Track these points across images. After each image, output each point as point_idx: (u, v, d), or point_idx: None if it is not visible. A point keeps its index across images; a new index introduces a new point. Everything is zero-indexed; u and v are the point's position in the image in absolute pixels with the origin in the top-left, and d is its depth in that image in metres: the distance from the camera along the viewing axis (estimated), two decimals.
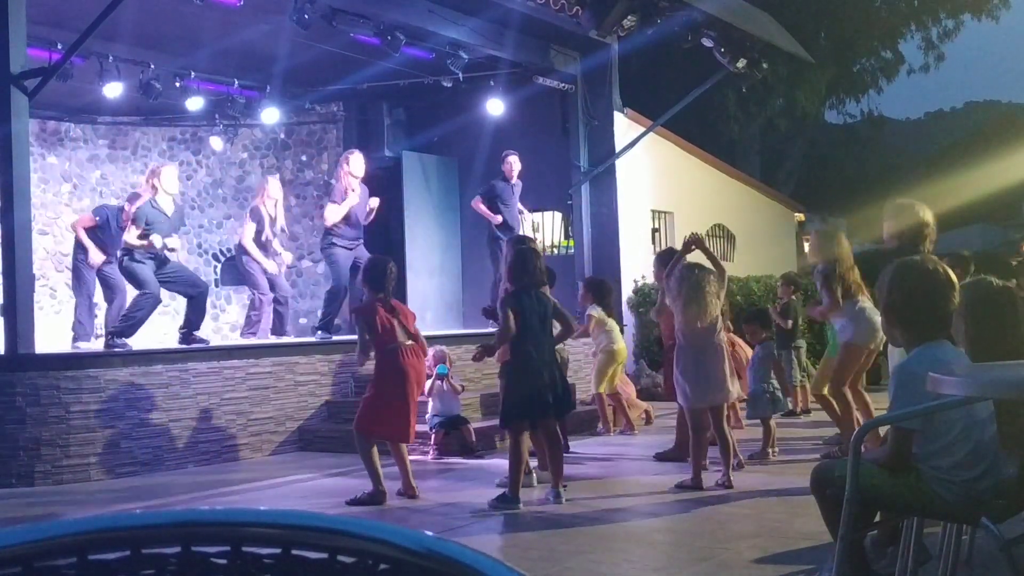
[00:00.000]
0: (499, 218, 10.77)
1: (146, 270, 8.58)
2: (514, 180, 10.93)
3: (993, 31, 26.68)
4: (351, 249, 9.72)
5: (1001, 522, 3.03)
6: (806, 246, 20.73)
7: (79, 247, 10.03)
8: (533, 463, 6.59)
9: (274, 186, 10.38)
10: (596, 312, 8.69)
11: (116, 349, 8.13)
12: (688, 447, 6.67)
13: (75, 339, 9.91)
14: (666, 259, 7.24)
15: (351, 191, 9.60)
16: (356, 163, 9.71)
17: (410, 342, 6.28)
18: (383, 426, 6.20)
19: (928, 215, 5.90)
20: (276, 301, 10.14)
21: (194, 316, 8.91)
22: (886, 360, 7.57)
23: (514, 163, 10.92)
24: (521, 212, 11.08)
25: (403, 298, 10.29)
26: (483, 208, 10.83)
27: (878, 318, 6.69)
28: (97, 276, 9.98)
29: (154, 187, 8.76)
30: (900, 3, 23.70)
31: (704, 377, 6.30)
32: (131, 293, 9.87)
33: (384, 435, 6.25)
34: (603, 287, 8.97)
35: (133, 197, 10.09)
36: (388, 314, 6.24)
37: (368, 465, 6.12)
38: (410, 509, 5.94)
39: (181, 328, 8.92)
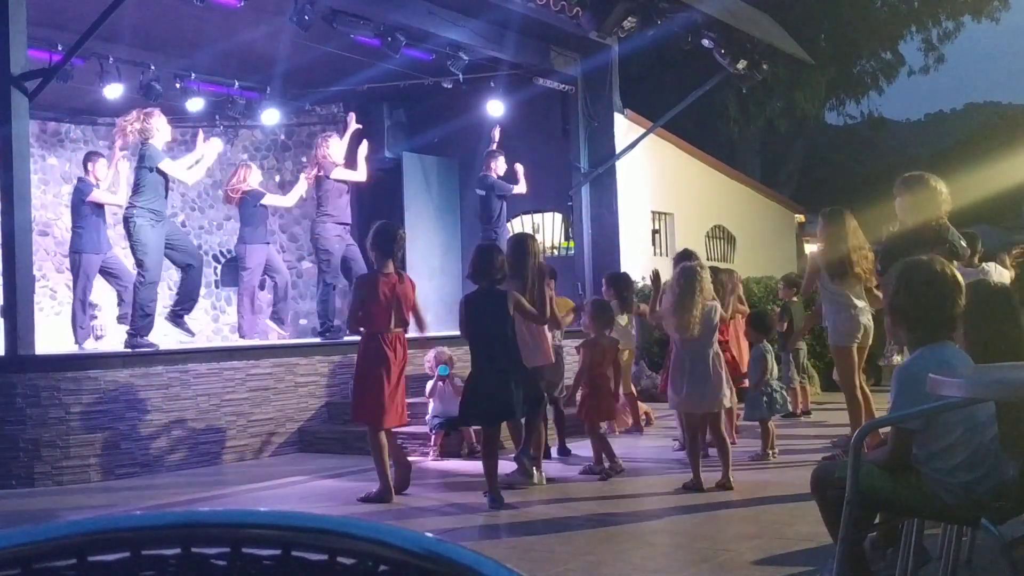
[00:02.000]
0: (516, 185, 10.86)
1: (153, 236, 8.26)
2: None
3: (993, 32, 26.70)
4: (342, 236, 9.66)
5: (1001, 524, 3.03)
6: (806, 247, 20.75)
7: (76, 236, 9.83)
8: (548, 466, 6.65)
9: (255, 176, 10.37)
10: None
11: (144, 349, 8.11)
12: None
13: (77, 340, 9.80)
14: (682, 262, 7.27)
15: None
16: (335, 147, 9.64)
17: (398, 329, 6.22)
18: (382, 411, 6.16)
19: (940, 184, 5.93)
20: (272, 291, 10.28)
21: (187, 295, 8.68)
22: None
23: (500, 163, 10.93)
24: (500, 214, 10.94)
25: None
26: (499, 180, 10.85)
27: (861, 316, 6.66)
28: (100, 271, 9.91)
29: (143, 132, 8.33)
30: (900, 4, 23.72)
31: (690, 384, 6.22)
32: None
33: (389, 422, 6.23)
34: (621, 281, 8.84)
35: (93, 156, 9.90)
36: (389, 291, 6.13)
37: (378, 460, 6.12)
38: (411, 510, 5.94)
39: (174, 307, 8.77)
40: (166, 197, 8.65)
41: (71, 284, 11.31)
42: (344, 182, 9.67)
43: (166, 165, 8.39)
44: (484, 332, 5.98)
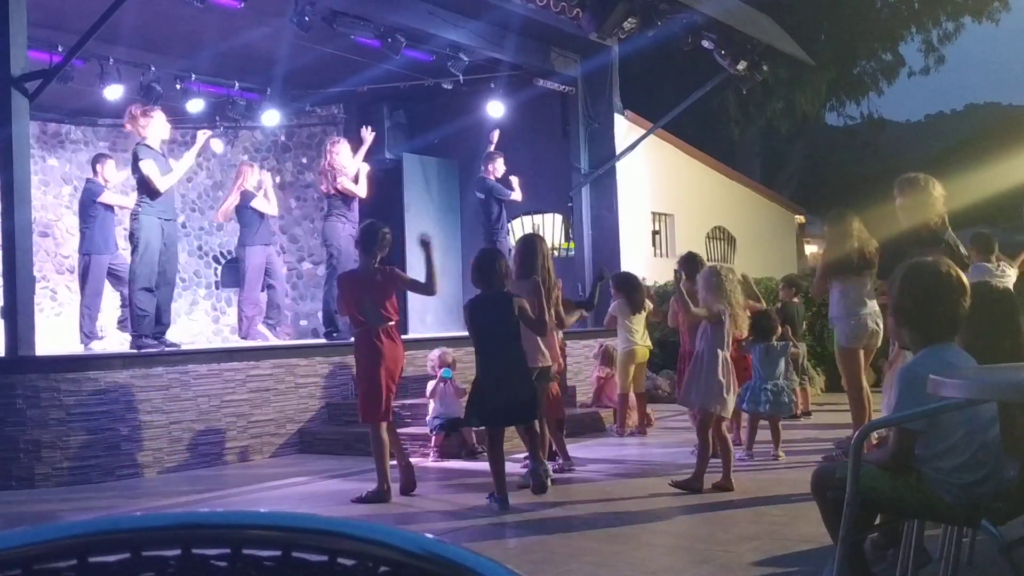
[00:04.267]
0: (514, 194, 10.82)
1: (155, 233, 8.17)
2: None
3: (993, 33, 26.71)
4: (352, 236, 9.66)
5: (1001, 524, 3.03)
6: (806, 248, 20.75)
7: (85, 238, 9.73)
8: (553, 465, 6.65)
9: (254, 175, 10.33)
10: (615, 309, 8.67)
11: (148, 349, 8.06)
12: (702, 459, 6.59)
13: (85, 340, 9.72)
14: (689, 264, 7.30)
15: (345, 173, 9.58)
16: (344, 152, 9.65)
17: (385, 324, 6.23)
18: (379, 406, 6.21)
19: (935, 185, 5.98)
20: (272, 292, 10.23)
21: (163, 315, 8.55)
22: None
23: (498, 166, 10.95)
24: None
25: (404, 300, 10.19)
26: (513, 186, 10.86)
27: (868, 319, 6.65)
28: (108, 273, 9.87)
29: (139, 131, 8.22)
30: (900, 5, 23.74)
31: (710, 382, 6.26)
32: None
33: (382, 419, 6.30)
34: (628, 281, 8.90)
35: (101, 158, 9.94)
36: (367, 289, 6.20)
37: (379, 459, 6.15)
38: (410, 511, 5.94)
39: (154, 331, 8.70)
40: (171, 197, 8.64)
41: (71, 285, 11.32)
42: (346, 192, 9.63)
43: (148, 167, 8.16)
44: (489, 335, 6.01)
